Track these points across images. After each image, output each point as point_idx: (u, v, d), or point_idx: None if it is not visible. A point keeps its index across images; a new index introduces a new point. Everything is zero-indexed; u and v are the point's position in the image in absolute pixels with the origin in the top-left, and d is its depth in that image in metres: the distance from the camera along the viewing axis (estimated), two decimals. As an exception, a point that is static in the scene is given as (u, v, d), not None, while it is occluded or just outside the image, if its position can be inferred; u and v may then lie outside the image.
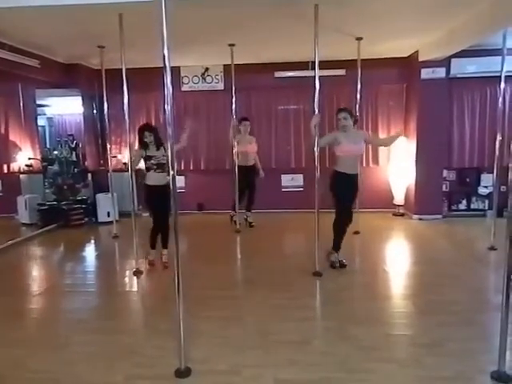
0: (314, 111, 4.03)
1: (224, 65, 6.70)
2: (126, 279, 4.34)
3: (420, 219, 6.48)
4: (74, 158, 7.22)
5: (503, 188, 5.06)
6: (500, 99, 4.79)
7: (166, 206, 3.51)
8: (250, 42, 5.44)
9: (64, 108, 7.42)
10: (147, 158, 4.22)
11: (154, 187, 4.19)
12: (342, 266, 4.27)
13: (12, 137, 6.76)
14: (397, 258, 5.01)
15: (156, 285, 4.18)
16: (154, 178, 4.21)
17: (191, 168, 7.18)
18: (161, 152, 4.22)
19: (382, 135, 6.83)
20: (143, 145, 4.24)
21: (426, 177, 6.40)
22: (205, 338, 2.89)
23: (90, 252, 5.64)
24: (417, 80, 6.31)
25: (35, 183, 6.77)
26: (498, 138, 4.76)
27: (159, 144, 4.23)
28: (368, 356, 2.63)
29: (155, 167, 4.22)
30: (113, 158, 6.09)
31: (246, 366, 2.55)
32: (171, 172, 2.40)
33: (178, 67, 6.85)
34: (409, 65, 6.54)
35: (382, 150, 6.87)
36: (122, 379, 2.46)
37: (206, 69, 6.97)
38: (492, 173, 5.17)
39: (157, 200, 4.21)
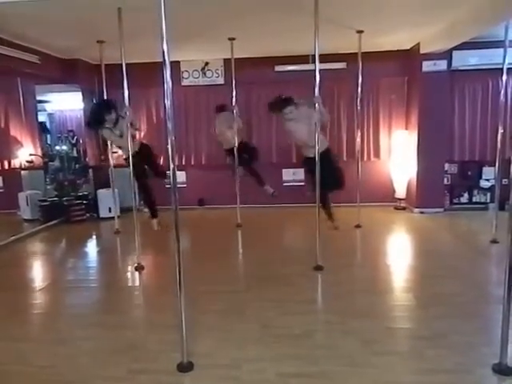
0: (315, 105, 4.05)
1: (224, 59, 6.66)
2: (128, 274, 4.36)
3: (422, 213, 6.46)
4: (75, 154, 7.24)
5: (505, 181, 5.04)
6: (502, 91, 4.75)
7: None
8: (250, 36, 5.40)
9: (64, 104, 7.42)
10: None
11: None
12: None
13: (13, 133, 6.77)
14: (398, 252, 5.02)
15: (157, 280, 4.20)
16: None
17: (192, 163, 7.17)
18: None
19: (384, 129, 6.82)
20: None
21: (427, 170, 6.38)
22: (206, 333, 2.89)
23: (91, 247, 5.66)
24: (418, 73, 6.26)
25: (36, 179, 6.79)
26: (500, 130, 4.73)
27: None
28: (370, 349, 2.63)
29: None
30: (114, 154, 6.08)
31: (248, 359, 2.56)
32: (171, 165, 2.39)
33: (178, 62, 6.81)
34: (410, 57, 6.49)
35: (383, 143, 6.85)
36: (125, 373, 2.47)
37: (206, 63, 6.93)
38: (494, 166, 5.14)
39: None
